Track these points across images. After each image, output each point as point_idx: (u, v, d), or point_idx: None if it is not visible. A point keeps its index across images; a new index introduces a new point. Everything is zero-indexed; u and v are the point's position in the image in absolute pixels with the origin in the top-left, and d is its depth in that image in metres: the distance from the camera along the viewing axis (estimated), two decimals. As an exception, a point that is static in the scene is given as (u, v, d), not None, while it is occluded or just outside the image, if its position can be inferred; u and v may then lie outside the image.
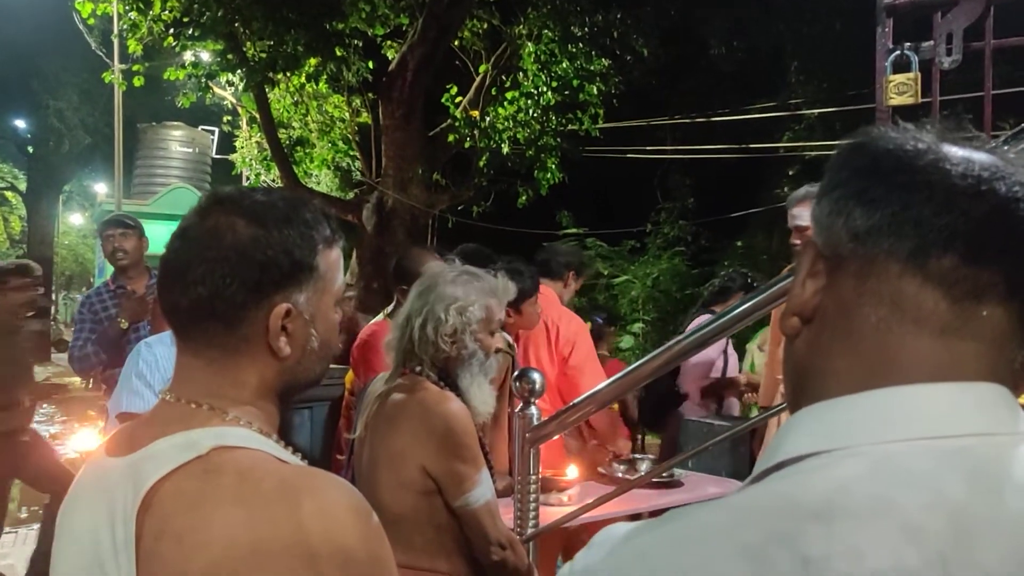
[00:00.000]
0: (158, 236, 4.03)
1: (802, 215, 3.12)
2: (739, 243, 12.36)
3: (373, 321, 3.56)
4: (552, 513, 2.60)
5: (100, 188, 20.60)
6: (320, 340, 1.02)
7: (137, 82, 9.16)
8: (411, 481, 1.85)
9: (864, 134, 0.65)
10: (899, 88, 1.64)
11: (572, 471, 3.08)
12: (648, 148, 13.30)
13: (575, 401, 2.18)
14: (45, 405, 13.05)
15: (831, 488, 0.52)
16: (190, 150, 16.35)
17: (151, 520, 0.87)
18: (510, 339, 3.19)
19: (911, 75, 1.65)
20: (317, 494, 0.88)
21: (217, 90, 10.90)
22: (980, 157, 0.59)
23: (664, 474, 3.16)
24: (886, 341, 0.58)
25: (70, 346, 3.71)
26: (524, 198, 10.52)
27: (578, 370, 3.47)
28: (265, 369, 0.98)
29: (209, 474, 0.88)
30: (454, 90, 9.84)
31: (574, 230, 11.67)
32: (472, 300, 1.95)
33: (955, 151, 0.60)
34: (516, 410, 2.23)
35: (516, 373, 2.25)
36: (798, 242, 3.15)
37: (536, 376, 2.23)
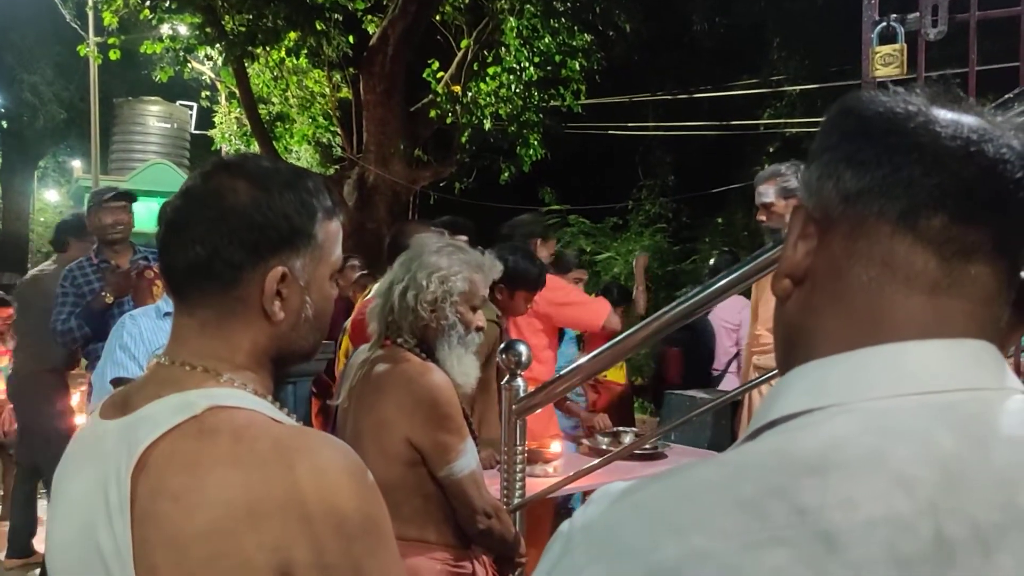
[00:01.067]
0: (137, 212, 4.01)
1: (767, 192, 3.15)
2: (719, 220, 12.41)
3: (369, 296, 3.56)
4: (538, 484, 2.63)
5: (76, 164, 20.27)
6: (314, 309, 1.03)
7: (113, 56, 9.02)
8: (396, 452, 1.86)
9: (853, 98, 0.66)
10: (885, 60, 1.65)
11: (556, 445, 3.11)
12: (630, 124, 13.28)
13: (561, 372, 2.20)
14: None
15: (824, 443, 0.53)
16: (168, 125, 16.09)
17: (146, 481, 0.87)
18: (498, 311, 3.24)
19: (897, 46, 1.66)
20: (312, 454, 0.89)
21: (195, 64, 10.76)
22: (968, 120, 0.60)
23: (647, 446, 3.20)
24: (877, 300, 0.59)
25: (52, 320, 3.68)
26: (507, 174, 10.49)
27: (567, 304, 3.53)
28: (259, 333, 0.99)
29: (204, 434, 0.88)
30: (436, 65, 9.76)
31: (556, 207, 11.66)
32: (455, 271, 1.96)
33: (944, 114, 0.61)
34: (503, 382, 2.24)
35: (502, 345, 2.27)
36: (764, 219, 3.20)
37: (522, 348, 2.25)
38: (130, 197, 3.98)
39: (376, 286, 3.41)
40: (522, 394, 2.21)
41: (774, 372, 2.73)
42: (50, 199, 27.42)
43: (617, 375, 4.63)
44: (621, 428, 3.53)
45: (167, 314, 2.77)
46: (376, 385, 1.93)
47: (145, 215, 4.19)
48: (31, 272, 5.01)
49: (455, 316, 1.96)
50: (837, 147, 0.63)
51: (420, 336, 1.97)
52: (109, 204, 3.83)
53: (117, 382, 1.16)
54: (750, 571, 0.48)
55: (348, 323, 3.33)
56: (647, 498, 0.56)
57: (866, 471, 0.51)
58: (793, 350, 0.64)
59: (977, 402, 0.56)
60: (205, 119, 14.08)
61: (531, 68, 9.49)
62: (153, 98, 15.93)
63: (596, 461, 2.71)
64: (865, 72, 1.68)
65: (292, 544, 0.85)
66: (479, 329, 2.02)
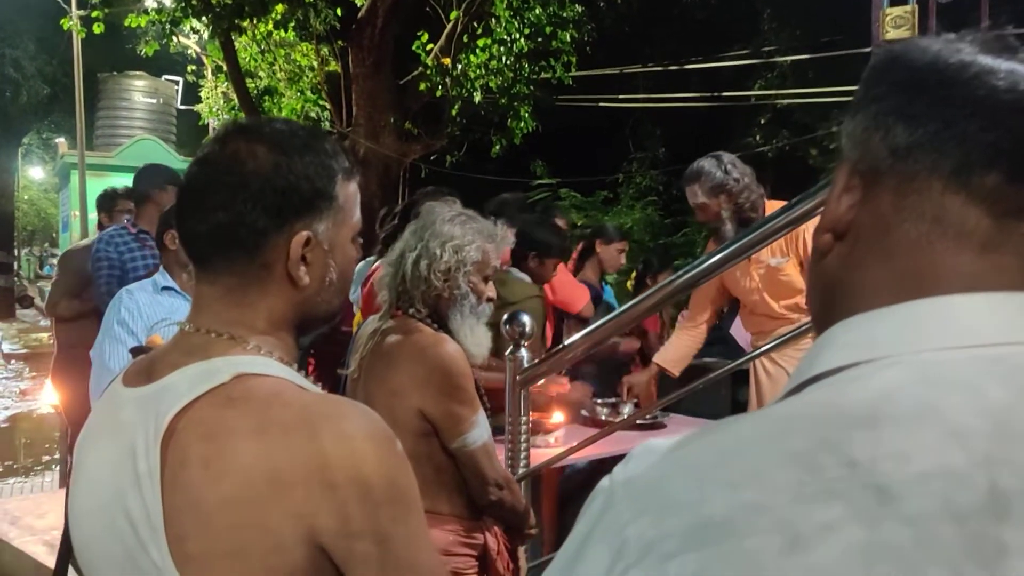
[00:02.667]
0: None
1: (696, 194, 3.18)
2: (711, 192, 12.39)
3: (378, 263, 3.55)
4: (540, 455, 2.64)
5: (61, 140, 20.08)
6: (338, 272, 1.01)
7: (97, 29, 8.87)
8: (408, 423, 1.85)
9: (902, 46, 0.64)
10: (896, 22, 1.63)
11: (558, 415, 3.12)
12: (620, 97, 13.23)
13: (566, 343, 2.20)
14: (13, 361, 12.93)
15: (874, 395, 0.52)
16: (154, 100, 15.96)
17: (175, 449, 0.87)
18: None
19: (908, 8, 1.63)
20: (338, 421, 0.88)
21: (181, 38, 10.63)
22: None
23: (647, 416, 3.21)
24: (926, 257, 0.58)
25: (96, 288, 3.64)
26: (498, 147, 10.44)
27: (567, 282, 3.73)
28: (284, 299, 0.97)
29: (233, 401, 0.88)
30: (425, 37, 9.66)
31: (547, 180, 11.63)
32: (469, 240, 1.93)
33: (1000, 64, 0.59)
34: (506, 352, 2.24)
35: (505, 316, 2.26)
36: (702, 219, 3.23)
37: (525, 319, 2.24)
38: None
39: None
40: (525, 364, 2.21)
41: (771, 344, 2.75)
42: (35, 176, 27.17)
43: None
44: (620, 399, 3.54)
45: (164, 288, 2.75)
46: (388, 356, 1.91)
47: (132, 193, 4.20)
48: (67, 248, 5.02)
49: (467, 286, 1.94)
50: (886, 98, 0.61)
51: (432, 306, 1.95)
52: (171, 187, 3.78)
53: (136, 351, 1.14)
54: (803, 525, 0.47)
55: (358, 294, 3.31)
56: (693, 452, 0.55)
57: (918, 423, 0.50)
58: (832, 305, 0.63)
59: None
60: (191, 94, 13.95)
61: (521, 40, 9.41)
62: (138, 73, 15.79)
63: (596, 432, 2.73)
64: (875, 36, 1.65)
65: (317, 512, 0.85)
66: (490, 300, 2.00)
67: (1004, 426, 0.50)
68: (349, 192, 1.01)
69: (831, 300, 0.64)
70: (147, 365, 0.98)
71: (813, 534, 0.46)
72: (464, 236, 1.93)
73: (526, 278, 3.49)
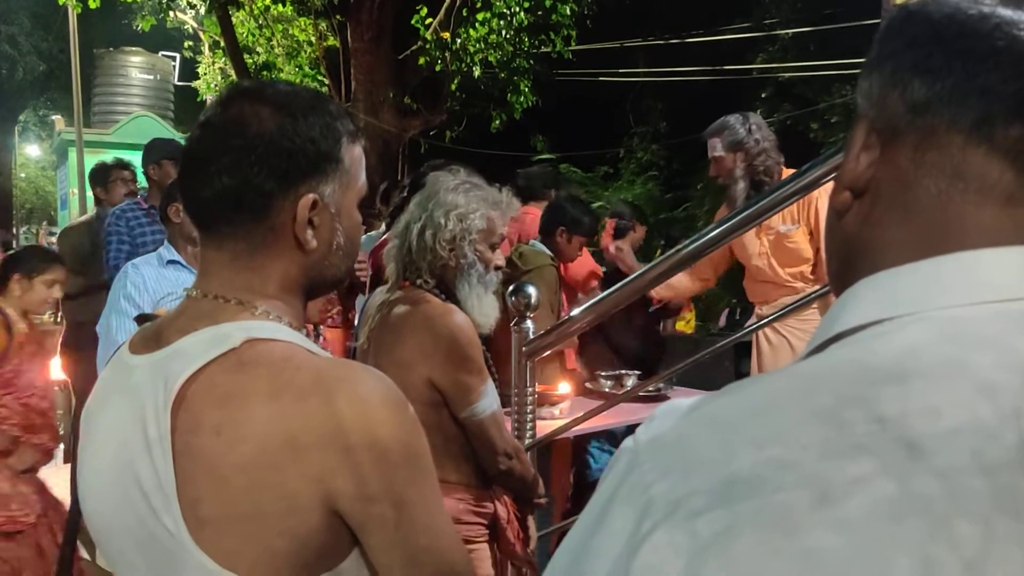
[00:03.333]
0: None
1: (716, 146, 3.14)
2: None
3: (385, 235, 3.56)
4: (546, 426, 2.65)
5: (58, 118, 19.96)
6: (345, 236, 1.00)
7: (93, 4, 8.79)
8: (417, 393, 1.84)
9: (918, 2, 0.63)
10: (906, -12, 1.61)
11: (564, 386, 3.14)
12: (621, 71, 13.14)
13: (572, 313, 2.20)
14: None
15: (901, 351, 0.52)
16: (151, 77, 15.83)
17: (186, 415, 0.86)
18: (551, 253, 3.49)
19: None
20: (352, 385, 0.88)
21: (177, 14, 10.54)
22: None
23: (650, 389, 3.22)
24: (948, 212, 0.58)
25: (105, 259, 3.66)
26: (497, 122, 10.38)
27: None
28: (291, 263, 0.97)
29: (244, 366, 0.87)
30: (424, 11, 9.57)
31: (548, 155, 11.58)
32: (473, 208, 1.92)
33: (1020, 15, 0.58)
34: (512, 324, 2.24)
35: (511, 287, 2.26)
36: (714, 174, 3.19)
37: (531, 290, 2.24)
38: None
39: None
40: (531, 336, 2.21)
41: (775, 315, 2.75)
42: (31, 154, 27.03)
43: (684, 327, 4.74)
44: (624, 371, 3.56)
45: (169, 262, 2.75)
46: (396, 327, 1.91)
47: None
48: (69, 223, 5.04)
49: (474, 254, 1.93)
50: (903, 54, 0.60)
51: (439, 276, 1.95)
52: (168, 162, 3.78)
53: (142, 319, 1.13)
54: (833, 479, 0.47)
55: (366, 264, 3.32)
56: (719, 411, 0.54)
57: (947, 379, 0.50)
58: (852, 264, 0.63)
59: None
60: (188, 70, 13.85)
61: (521, 13, 9.31)
62: (135, 49, 15.64)
63: (601, 403, 2.74)
64: (885, 1, 1.63)
65: (334, 475, 0.85)
66: (498, 268, 1.99)
67: None
68: (355, 155, 1.00)
69: (851, 259, 0.64)
70: (154, 332, 0.97)
71: (843, 488, 0.46)
72: (468, 204, 1.92)
73: (545, 250, 3.53)
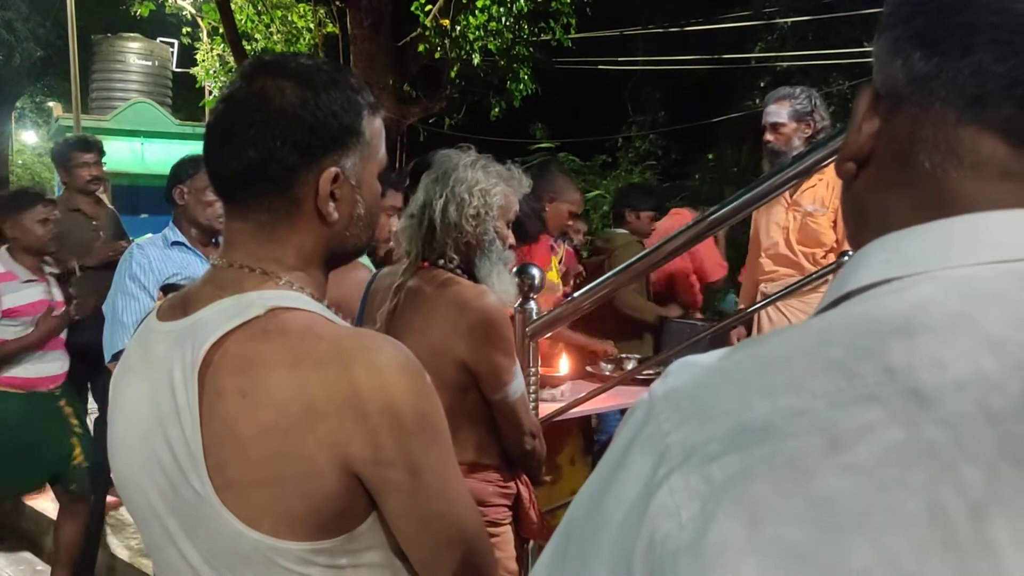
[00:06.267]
0: (120, 153, 4.01)
1: (779, 112, 3.15)
2: (710, 156, 12.37)
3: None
4: (547, 408, 2.67)
5: (55, 104, 19.85)
6: (366, 208, 1.03)
7: (92, -11, 8.76)
8: (449, 376, 1.83)
9: None
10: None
11: (563, 364, 3.16)
12: (620, 59, 13.12)
13: (574, 295, 2.22)
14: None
15: (910, 307, 0.53)
16: (149, 63, 15.69)
17: (212, 379, 0.89)
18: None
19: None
20: (370, 353, 0.90)
21: (176, -1, 10.49)
22: None
23: (650, 371, 3.25)
24: (943, 186, 0.59)
25: None
26: (497, 110, 10.36)
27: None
28: (313, 235, 0.99)
29: (267, 334, 0.90)
30: (423, -2, 9.56)
31: (547, 143, 11.57)
32: (493, 184, 1.92)
33: None
34: (515, 304, 2.26)
35: (516, 268, 2.27)
36: (771, 139, 3.19)
37: (535, 271, 2.25)
38: (99, 147, 4.09)
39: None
40: (534, 316, 2.23)
41: (776, 296, 2.78)
42: (28, 140, 26.88)
43: None
44: (623, 355, 3.59)
45: (174, 243, 2.77)
46: (427, 309, 1.88)
47: (128, 155, 4.17)
48: None
49: (494, 231, 1.93)
50: (908, 22, 0.61)
51: (463, 253, 1.93)
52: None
53: (168, 288, 1.16)
54: (843, 427, 0.48)
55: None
56: (733, 364, 0.56)
57: (953, 333, 0.51)
58: (865, 226, 0.64)
59: None
60: (186, 57, 13.77)
61: (521, 1, 9.30)
62: (133, 35, 15.52)
63: (601, 385, 2.77)
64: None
65: (350, 440, 0.88)
66: (512, 247, 1.99)
67: None
68: (375, 128, 1.02)
69: (862, 221, 0.65)
70: (181, 300, 1.00)
71: (853, 435, 0.47)
72: (488, 180, 1.92)
73: (626, 232, 4.07)
